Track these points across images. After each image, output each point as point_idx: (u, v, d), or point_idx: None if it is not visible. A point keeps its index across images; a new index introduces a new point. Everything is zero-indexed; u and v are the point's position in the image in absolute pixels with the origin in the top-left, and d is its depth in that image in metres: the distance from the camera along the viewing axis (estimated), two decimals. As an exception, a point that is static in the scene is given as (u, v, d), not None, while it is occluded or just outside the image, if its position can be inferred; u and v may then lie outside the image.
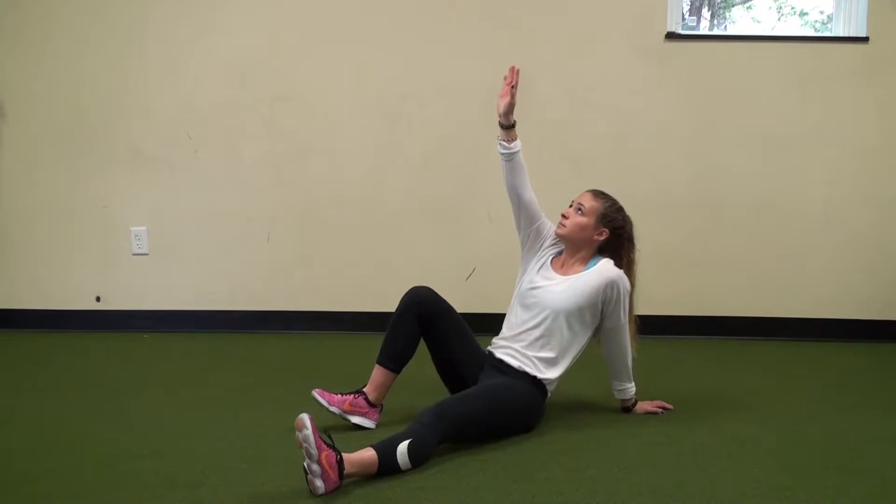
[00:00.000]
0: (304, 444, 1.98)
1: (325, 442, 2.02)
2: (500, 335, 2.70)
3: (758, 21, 4.70)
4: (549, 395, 2.62)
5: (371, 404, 2.58)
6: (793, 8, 4.65)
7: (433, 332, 2.61)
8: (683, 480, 2.16)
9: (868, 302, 4.02)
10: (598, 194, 2.69)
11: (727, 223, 4.01)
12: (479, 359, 2.67)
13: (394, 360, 2.58)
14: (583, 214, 2.64)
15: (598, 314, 2.61)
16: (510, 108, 2.64)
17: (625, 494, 2.06)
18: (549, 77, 3.95)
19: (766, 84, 3.95)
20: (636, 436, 2.52)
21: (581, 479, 2.16)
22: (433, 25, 3.97)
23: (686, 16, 4.34)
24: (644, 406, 2.78)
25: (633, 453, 2.37)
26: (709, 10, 4.90)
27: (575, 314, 2.57)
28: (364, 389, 2.59)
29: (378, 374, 2.59)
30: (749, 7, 4.82)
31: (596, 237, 2.65)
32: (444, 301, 2.64)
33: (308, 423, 1.98)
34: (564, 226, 2.65)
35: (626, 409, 2.77)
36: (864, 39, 3.90)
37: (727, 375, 3.37)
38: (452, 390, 2.65)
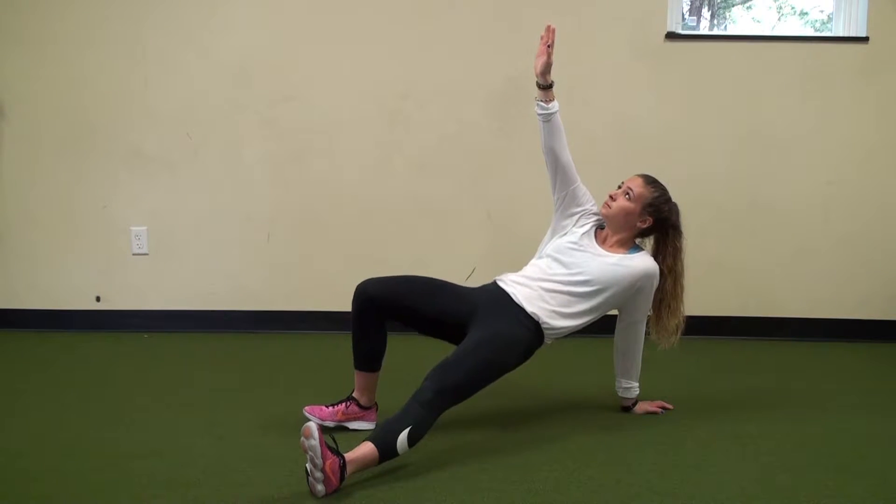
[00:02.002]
0: (310, 453, 1.98)
1: (330, 449, 2.02)
2: (519, 273, 2.62)
3: (758, 21, 4.70)
4: (544, 344, 2.56)
5: (364, 407, 2.58)
6: (793, 8, 4.65)
7: (399, 316, 2.52)
8: (683, 480, 2.16)
9: (868, 302, 4.02)
10: (650, 181, 2.67)
11: (727, 223, 4.01)
12: (465, 300, 2.55)
13: (368, 361, 2.55)
14: (630, 200, 2.63)
15: (623, 301, 2.62)
16: (547, 67, 2.65)
17: (625, 494, 2.06)
18: (549, 77, 3.95)
19: (766, 84, 3.95)
20: (636, 435, 2.52)
21: (581, 478, 2.16)
22: (433, 25, 3.97)
23: (686, 16, 4.34)
24: (644, 406, 2.78)
25: (634, 453, 2.37)
26: (709, 10, 4.90)
27: (608, 289, 2.55)
28: (353, 395, 2.58)
29: (359, 378, 2.57)
30: (749, 7, 4.82)
31: (639, 224, 2.65)
32: (392, 283, 2.52)
33: (316, 433, 1.97)
34: (610, 207, 2.64)
35: (627, 408, 2.78)
36: (864, 39, 3.90)
37: (727, 375, 3.37)
38: (452, 340, 2.55)
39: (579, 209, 2.71)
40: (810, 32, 4.46)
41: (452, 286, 2.61)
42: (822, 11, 4.44)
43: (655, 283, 2.64)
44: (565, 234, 2.69)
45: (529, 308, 2.50)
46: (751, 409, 2.83)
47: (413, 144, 4.02)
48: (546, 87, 2.65)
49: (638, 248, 2.69)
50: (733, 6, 4.93)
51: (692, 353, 3.74)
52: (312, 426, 1.98)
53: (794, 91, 3.95)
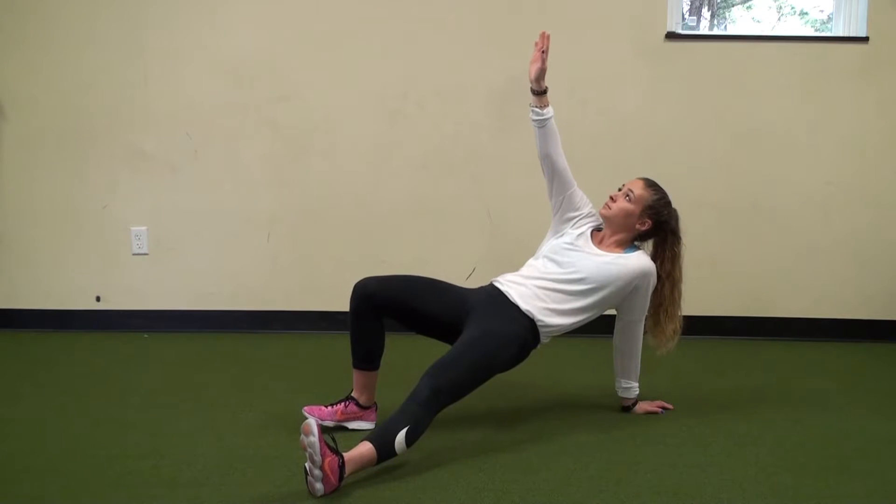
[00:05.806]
0: (309, 450, 1.98)
1: (329, 447, 2.02)
2: (516, 273, 2.64)
3: (758, 21, 4.70)
4: (539, 345, 2.58)
5: (363, 407, 2.58)
6: (793, 8, 4.65)
7: (397, 314, 2.54)
8: (683, 480, 2.16)
9: (868, 301, 4.01)
10: (650, 184, 2.69)
11: (727, 223, 4.01)
12: (461, 300, 2.56)
13: (367, 360, 2.55)
14: (630, 201, 2.64)
15: (620, 300, 2.62)
16: (542, 73, 2.66)
17: (625, 494, 2.06)
18: (549, 77, 3.91)
19: (766, 84, 3.94)
20: (636, 435, 2.52)
21: (581, 478, 2.16)
22: (433, 25, 3.97)
23: (686, 16, 4.34)
24: (644, 406, 2.78)
25: (634, 453, 2.37)
26: (709, 10, 4.90)
27: (603, 288, 2.55)
28: (352, 394, 2.59)
29: (358, 377, 2.57)
30: (749, 7, 4.82)
31: (638, 226, 2.66)
32: (391, 281, 2.54)
33: (315, 429, 1.98)
34: (610, 208, 2.65)
35: (627, 408, 2.78)
36: (864, 39, 3.90)
37: (727, 375, 3.37)
38: (448, 340, 2.55)
39: (576, 213, 2.73)
40: (810, 32, 4.46)
41: (449, 286, 2.63)
42: (822, 11, 4.45)
43: (652, 282, 2.63)
44: (562, 235, 2.71)
45: (524, 306, 2.51)
46: (751, 409, 2.83)
47: (413, 144, 4.02)
48: (540, 92, 2.66)
49: (635, 248, 2.69)
50: (733, 6, 4.93)
51: (692, 353, 3.74)
52: (312, 423, 1.99)
53: (794, 91, 3.95)
